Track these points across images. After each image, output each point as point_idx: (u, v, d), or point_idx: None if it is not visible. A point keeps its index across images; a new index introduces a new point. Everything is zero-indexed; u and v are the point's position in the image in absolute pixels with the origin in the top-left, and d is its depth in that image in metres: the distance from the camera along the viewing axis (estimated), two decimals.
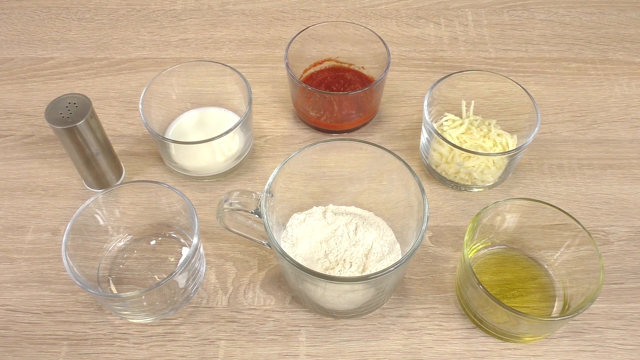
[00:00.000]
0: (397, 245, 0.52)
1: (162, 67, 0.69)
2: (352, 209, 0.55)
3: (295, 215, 0.53)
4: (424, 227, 0.44)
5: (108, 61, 0.72)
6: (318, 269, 0.50)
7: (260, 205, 0.46)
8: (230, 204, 0.47)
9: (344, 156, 0.52)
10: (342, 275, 0.49)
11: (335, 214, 0.54)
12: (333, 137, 0.65)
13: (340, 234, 0.52)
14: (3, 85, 0.70)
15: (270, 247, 0.47)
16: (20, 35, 0.75)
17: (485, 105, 0.61)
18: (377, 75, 0.63)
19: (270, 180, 0.47)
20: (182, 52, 0.74)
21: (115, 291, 0.52)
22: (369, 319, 0.51)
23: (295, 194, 0.52)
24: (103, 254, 0.53)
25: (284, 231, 0.52)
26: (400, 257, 0.50)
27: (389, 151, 0.48)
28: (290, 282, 0.50)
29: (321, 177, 0.53)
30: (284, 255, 0.42)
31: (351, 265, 0.49)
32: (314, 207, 0.54)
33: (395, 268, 0.42)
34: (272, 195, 0.47)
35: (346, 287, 0.45)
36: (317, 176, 0.53)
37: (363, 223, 0.53)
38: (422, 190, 0.46)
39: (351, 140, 0.50)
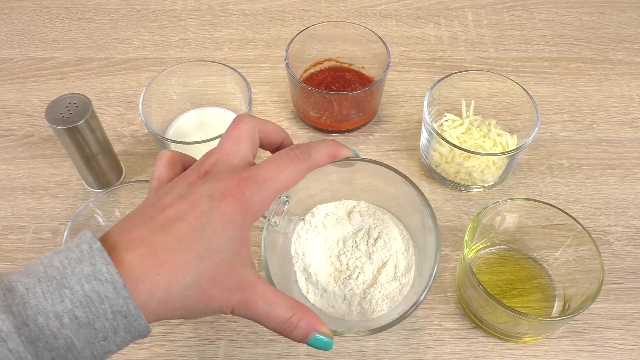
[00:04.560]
0: (413, 271, 0.48)
1: (162, 67, 0.69)
2: (383, 212, 0.50)
3: (319, 206, 0.50)
4: (431, 282, 0.41)
5: (108, 61, 0.72)
6: (325, 269, 0.48)
7: (268, 211, 0.42)
8: None
9: (368, 169, 0.46)
10: (347, 283, 0.47)
11: (361, 215, 0.50)
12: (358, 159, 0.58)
13: (360, 238, 0.49)
14: (3, 85, 0.70)
15: (275, 225, 0.43)
16: (20, 35, 0.75)
17: (485, 105, 0.61)
18: (377, 75, 0.63)
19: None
20: (182, 52, 0.74)
21: None
22: None
23: (318, 187, 0.50)
24: None
25: (301, 223, 0.50)
26: (409, 286, 0.47)
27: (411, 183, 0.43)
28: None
29: (351, 178, 0.50)
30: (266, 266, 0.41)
31: (358, 277, 0.47)
32: (343, 200, 0.51)
33: (389, 326, 0.40)
34: (287, 202, 0.44)
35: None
36: (349, 176, 0.49)
37: (387, 234, 0.49)
38: (438, 244, 0.41)
39: (375, 164, 0.44)
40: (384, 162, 0.44)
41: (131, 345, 0.49)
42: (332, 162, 0.39)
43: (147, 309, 0.29)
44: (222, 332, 0.50)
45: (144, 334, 0.30)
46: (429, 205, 0.42)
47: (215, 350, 0.49)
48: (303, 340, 0.35)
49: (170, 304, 0.30)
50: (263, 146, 0.40)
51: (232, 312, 0.34)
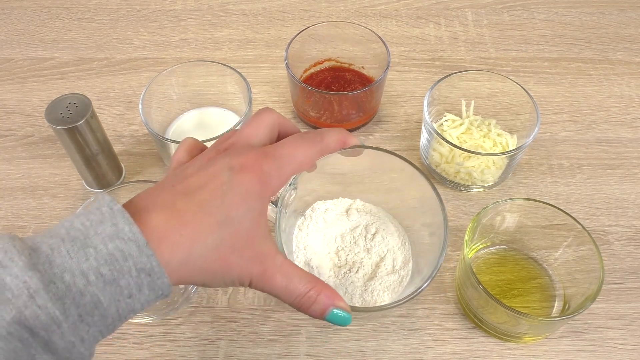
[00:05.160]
0: (410, 264, 0.49)
1: (162, 67, 0.69)
2: (379, 210, 0.52)
3: (318, 202, 0.52)
4: (435, 272, 0.42)
5: (108, 61, 0.72)
6: (326, 264, 0.49)
7: (280, 197, 0.43)
8: None
9: (373, 165, 0.49)
10: (348, 277, 0.48)
11: (359, 212, 0.52)
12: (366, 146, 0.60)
13: (358, 234, 0.50)
14: (3, 85, 0.70)
15: (286, 213, 0.45)
16: (20, 35, 0.75)
17: (485, 105, 0.61)
18: (377, 75, 0.63)
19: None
20: (182, 52, 0.74)
21: None
22: (369, 319, 0.51)
23: (319, 184, 0.51)
24: None
25: (302, 218, 0.51)
26: (408, 278, 0.48)
27: (423, 173, 0.46)
28: None
29: (348, 172, 0.51)
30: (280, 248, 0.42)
31: (358, 270, 0.48)
32: (340, 198, 0.52)
33: (392, 307, 0.41)
34: (296, 188, 0.45)
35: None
36: (345, 171, 0.51)
37: (384, 230, 0.51)
38: (446, 234, 0.42)
39: (386, 153, 0.46)
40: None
41: (131, 345, 0.49)
42: (341, 149, 0.40)
43: (169, 267, 0.30)
44: (222, 332, 0.50)
45: (167, 292, 0.30)
46: (435, 189, 0.44)
47: (215, 350, 0.49)
48: (321, 315, 0.35)
49: (192, 265, 0.31)
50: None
51: (250, 284, 0.34)
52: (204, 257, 0.31)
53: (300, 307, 0.35)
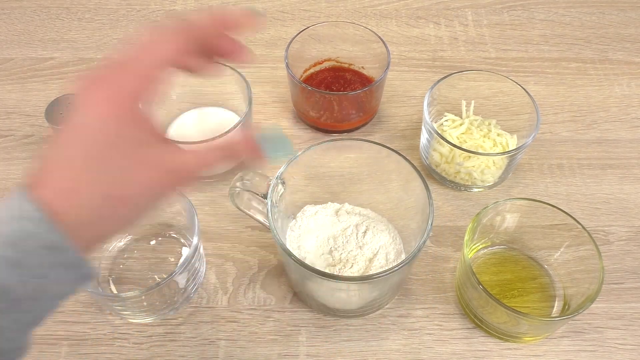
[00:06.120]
0: (403, 256, 0.51)
1: None
2: (367, 211, 0.54)
3: (307, 206, 0.53)
4: (422, 240, 0.43)
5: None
6: (320, 264, 0.50)
7: (269, 191, 0.45)
8: (243, 183, 0.47)
9: (359, 157, 0.51)
10: (343, 272, 0.49)
11: (348, 213, 0.54)
12: (343, 137, 0.64)
13: (350, 233, 0.51)
14: (3, 85, 0.70)
15: (275, 206, 0.48)
16: (20, 35, 0.75)
17: (485, 105, 0.61)
18: (377, 75, 0.63)
19: (282, 169, 0.47)
20: None
21: (115, 291, 0.52)
22: (369, 319, 0.51)
23: (309, 187, 0.52)
24: (103, 254, 0.53)
25: (293, 220, 0.53)
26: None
27: (409, 162, 0.47)
28: (287, 272, 0.50)
29: (337, 175, 0.53)
30: (275, 236, 0.43)
31: (352, 266, 0.49)
32: (329, 203, 0.54)
33: (385, 275, 0.42)
34: (284, 183, 0.47)
35: (332, 284, 0.45)
36: (333, 174, 0.53)
37: (374, 227, 0.52)
38: (431, 212, 0.45)
39: (372, 143, 0.49)
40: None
41: (131, 345, 0.49)
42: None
43: (72, 233, 0.29)
44: (222, 332, 0.50)
45: (78, 263, 0.29)
46: (418, 171, 0.46)
47: (215, 350, 0.49)
48: (252, 146, 0.34)
49: (92, 222, 0.30)
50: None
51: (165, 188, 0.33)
52: (96, 207, 0.30)
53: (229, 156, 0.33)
